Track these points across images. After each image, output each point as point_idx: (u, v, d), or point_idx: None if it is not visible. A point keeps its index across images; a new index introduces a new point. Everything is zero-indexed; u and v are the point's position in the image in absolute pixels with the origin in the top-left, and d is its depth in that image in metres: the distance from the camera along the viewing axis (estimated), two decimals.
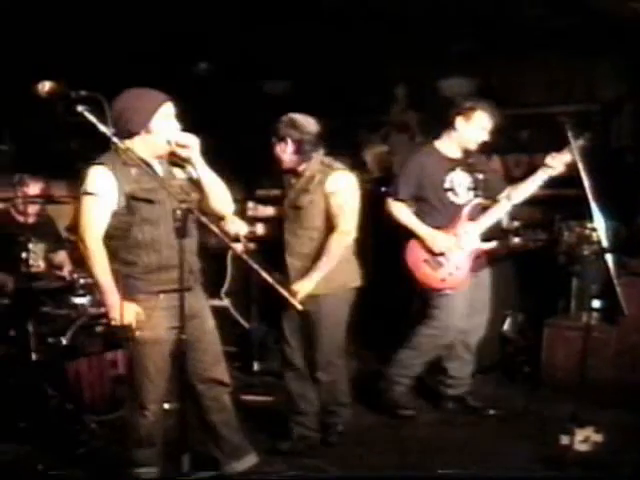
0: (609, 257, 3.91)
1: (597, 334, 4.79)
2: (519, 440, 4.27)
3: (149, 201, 3.23)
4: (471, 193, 4.55)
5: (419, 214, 4.56)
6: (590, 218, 3.83)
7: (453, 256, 4.49)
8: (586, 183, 3.83)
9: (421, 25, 5.85)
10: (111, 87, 3.17)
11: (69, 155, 5.43)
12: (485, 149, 4.64)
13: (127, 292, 3.23)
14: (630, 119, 5.90)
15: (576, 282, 5.37)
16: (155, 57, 5.93)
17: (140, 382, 3.34)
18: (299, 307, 3.35)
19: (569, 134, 3.96)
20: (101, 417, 4.30)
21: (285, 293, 3.24)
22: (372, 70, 6.39)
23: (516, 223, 5.71)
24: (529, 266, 5.57)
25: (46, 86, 2.76)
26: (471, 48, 6.13)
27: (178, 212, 2.85)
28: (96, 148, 3.25)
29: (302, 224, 4.02)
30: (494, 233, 4.70)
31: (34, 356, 4.32)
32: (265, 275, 3.09)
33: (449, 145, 4.58)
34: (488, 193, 4.58)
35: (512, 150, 6.37)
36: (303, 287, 3.91)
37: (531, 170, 4.67)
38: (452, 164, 4.55)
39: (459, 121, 4.50)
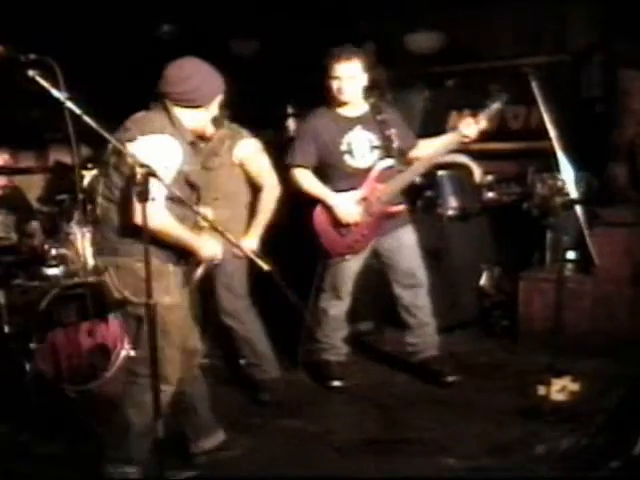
0: (579, 208, 3.92)
1: (572, 285, 4.85)
2: (498, 392, 4.31)
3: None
4: (375, 152, 4.31)
5: (323, 180, 4.36)
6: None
7: (361, 222, 4.33)
8: (553, 134, 3.81)
9: None
10: (68, 52, 3.08)
11: (34, 125, 5.34)
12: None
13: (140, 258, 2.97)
14: (600, 69, 5.87)
15: (550, 234, 5.38)
16: (117, 20, 5.80)
17: (162, 354, 3.00)
18: (266, 267, 3.18)
19: (533, 85, 3.90)
20: (80, 387, 4.27)
21: (254, 257, 3.13)
22: (339, 27, 6.30)
23: (489, 177, 5.71)
24: (503, 220, 5.58)
25: None
26: (437, 1, 6.06)
27: (139, 176, 2.66)
28: (59, 118, 3.13)
29: (213, 188, 3.97)
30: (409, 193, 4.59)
31: (7, 329, 4.27)
32: (231, 239, 3.05)
33: (342, 106, 4.33)
34: (399, 148, 4.28)
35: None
36: (250, 245, 4.01)
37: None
38: (350, 123, 4.32)
39: (330, 82, 4.24)
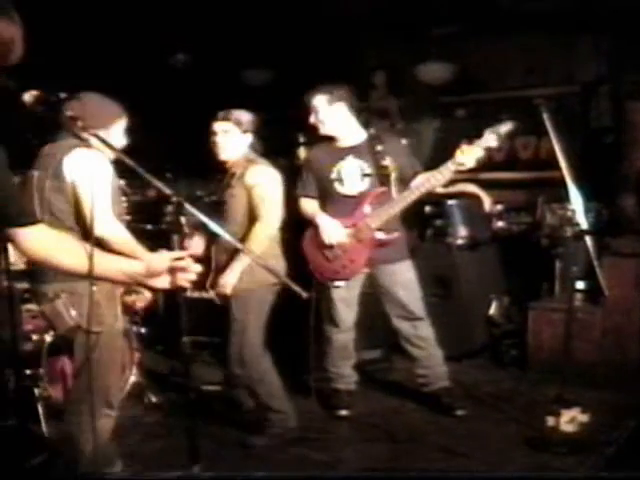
0: (589, 238, 3.91)
1: (581, 315, 4.82)
2: (506, 423, 4.28)
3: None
4: (367, 180, 4.33)
5: (322, 208, 4.43)
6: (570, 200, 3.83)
7: (348, 248, 4.34)
8: (563, 165, 3.82)
9: (399, 10, 5.84)
10: (88, 82, 3.15)
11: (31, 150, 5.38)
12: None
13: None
14: (608, 101, 5.91)
15: (559, 264, 5.38)
16: (132, 49, 5.88)
17: (106, 380, 3.20)
18: (304, 294, 3.13)
19: (544, 116, 3.93)
20: None
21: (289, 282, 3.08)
22: (351, 57, 6.37)
23: (499, 207, 5.72)
24: (513, 249, 5.59)
25: (32, 96, 2.73)
26: (449, 32, 6.12)
27: (170, 206, 2.76)
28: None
29: (226, 219, 4.02)
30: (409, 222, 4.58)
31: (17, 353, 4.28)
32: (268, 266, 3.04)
33: (339, 135, 4.40)
34: (401, 178, 4.31)
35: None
36: (227, 279, 3.94)
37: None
38: (343, 153, 4.37)
39: (313, 116, 4.36)
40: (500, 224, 5.69)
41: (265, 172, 4.08)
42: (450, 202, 5.53)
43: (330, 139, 4.43)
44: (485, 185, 5.69)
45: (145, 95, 5.79)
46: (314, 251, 4.42)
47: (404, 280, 4.43)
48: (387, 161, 4.27)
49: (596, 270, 4.23)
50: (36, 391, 4.22)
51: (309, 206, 4.46)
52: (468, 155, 4.10)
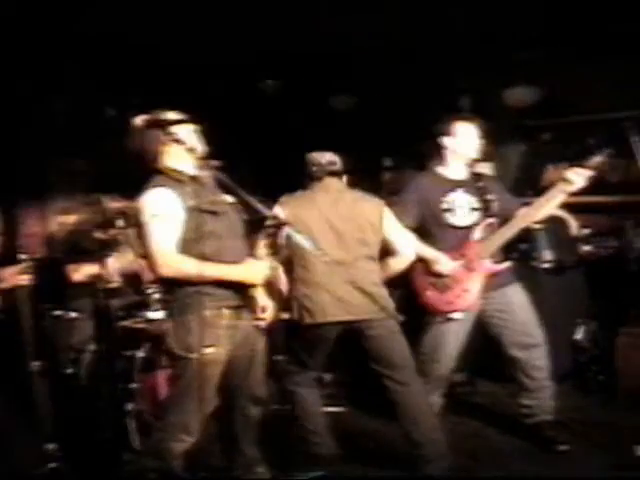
0: None
1: None
2: (593, 450, 4.22)
3: (213, 212, 3.27)
4: (475, 214, 4.38)
5: (423, 238, 4.39)
6: None
7: (461, 278, 4.33)
8: None
9: (484, 35, 5.86)
10: (181, 107, 3.29)
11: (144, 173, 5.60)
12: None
13: (194, 308, 3.21)
14: None
15: None
16: (222, 74, 6.07)
17: (186, 405, 3.25)
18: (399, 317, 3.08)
19: (631, 138, 3.89)
20: None
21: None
22: (436, 82, 6.41)
23: (586, 231, 5.65)
24: (600, 274, 5.51)
25: (142, 120, 2.88)
26: (534, 56, 6.10)
27: (270, 229, 2.83)
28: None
29: None
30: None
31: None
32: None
33: (447, 166, 4.47)
34: (500, 213, 4.38)
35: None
36: None
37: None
38: (452, 185, 4.43)
39: (446, 139, 4.42)
40: (587, 248, 5.61)
41: None
42: (536, 226, 5.48)
43: (433, 170, 4.50)
44: (572, 209, 5.62)
45: (235, 120, 5.98)
46: (425, 284, 4.40)
47: (520, 301, 4.42)
48: (490, 196, 4.36)
49: None
50: (128, 406, 4.39)
51: None
52: (579, 175, 4.14)
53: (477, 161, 4.50)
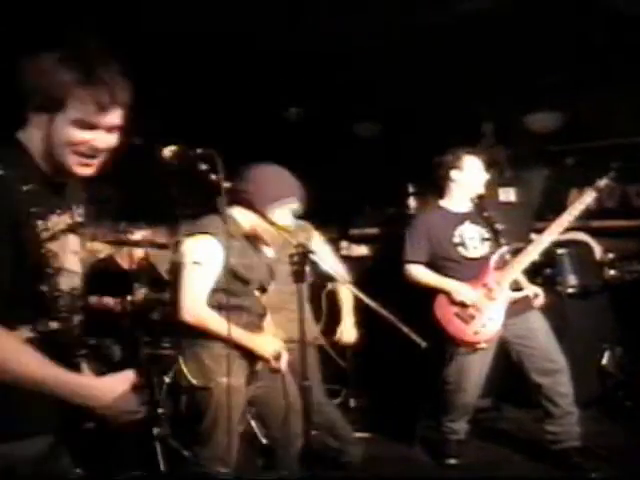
0: None
1: None
2: (621, 477, 4.20)
3: (245, 281, 3.34)
4: (486, 244, 4.44)
5: (437, 272, 4.47)
6: None
7: (484, 307, 4.34)
8: None
9: (506, 60, 5.89)
10: (202, 136, 3.34)
11: (168, 202, 5.69)
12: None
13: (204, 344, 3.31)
14: None
15: None
16: (246, 103, 6.14)
17: (217, 436, 3.28)
18: (423, 344, 3.18)
19: None
20: None
21: (409, 332, 2.99)
22: (460, 108, 6.45)
23: (610, 255, 5.64)
24: (626, 298, 5.48)
25: (171, 151, 2.94)
26: (557, 81, 6.12)
27: (296, 257, 2.81)
28: (194, 195, 3.37)
29: None
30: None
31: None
32: (385, 313, 3.06)
33: (453, 200, 4.54)
34: (510, 242, 4.42)
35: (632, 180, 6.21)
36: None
37: None
38: (459, 218, 4.49)
39: (453, 172, 4.47)
40: (612, 272, 5.60)
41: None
42: (560, 250, 5.49)
43: (438, 205, 4.58)
44: (596, 233, 5.63)
45: (259, 148, 6.05)
46: (449, 316, 4.40)
47: (541, 327, 4.44)
48: (498, 226, 4.41)
49: None
50: (155, 431, 4.44)
51: (422, 272, 4.51)
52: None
53: (492, 190, 4.56)
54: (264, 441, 4.01)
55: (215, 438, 3.27)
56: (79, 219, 2.20)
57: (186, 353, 3.36)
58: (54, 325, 2.05)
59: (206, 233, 3.29)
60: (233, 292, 3.20)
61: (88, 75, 1.92)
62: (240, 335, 3.25)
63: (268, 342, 3.41)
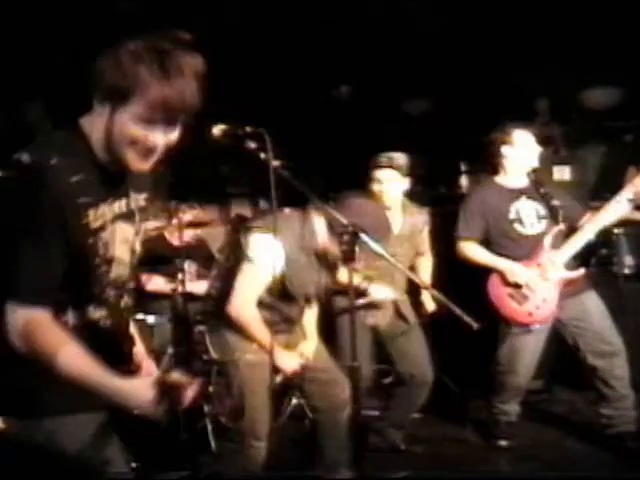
0: None
1: None
2: None
3: (291, 295, 3.40)
4: (543, 222, 4.32)
5: (493, 250, 4.36)
6: None
7: (538, 288, 4.24)
8: None
9: (561, 35, 5.77)
10: (253, 115, 3.33)
11: (219, 180, 5.72)
12: None
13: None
14: None
15: None
16: (297, 81, 6.12)
17: (250, 411, 3.39)
18: (475, 325, 3.13)
19: None
20: None
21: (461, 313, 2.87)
22: (513, 84, 6.33)
23: None
24: None
25: (221, 130, 2.92)
26: (613, 56, 5.97)
27: (345, 236, 2.76)
28: (245, 174, 3.38)
29: None
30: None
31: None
32: (437, 294, 3.00)
33: (508, 176, 4.42)
34: (566, 220, 4.29)
35: None
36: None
37: None
38: (515, 194, 4.37)
39: (504, 149, 4.36)
40: None
41: (424, 212, 4.60)
42: (616, 231, 5.37)
43: (494, 180, 4.47)
44: None
45: (309, 126, 6.03)
46: (503, 296, 4.33)
47: (596, 309, 4.35)
48: (555, 202, 4.30)
49: None
50: (205, 408, 4.48)
51: (476, 249, 4.42)
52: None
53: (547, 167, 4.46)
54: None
55: (247, 413, 3.36)
56: (142, 203, 2.19)
57: (212, 328, 3.53)
58: (101, 313, 2.07)
59: (276, 233, 3.22)
60: (279, 297, 3.34)
61: (161, 73, 1.87)
62: (268, 344, 3.27)
63: (290, 358, 3.47)
